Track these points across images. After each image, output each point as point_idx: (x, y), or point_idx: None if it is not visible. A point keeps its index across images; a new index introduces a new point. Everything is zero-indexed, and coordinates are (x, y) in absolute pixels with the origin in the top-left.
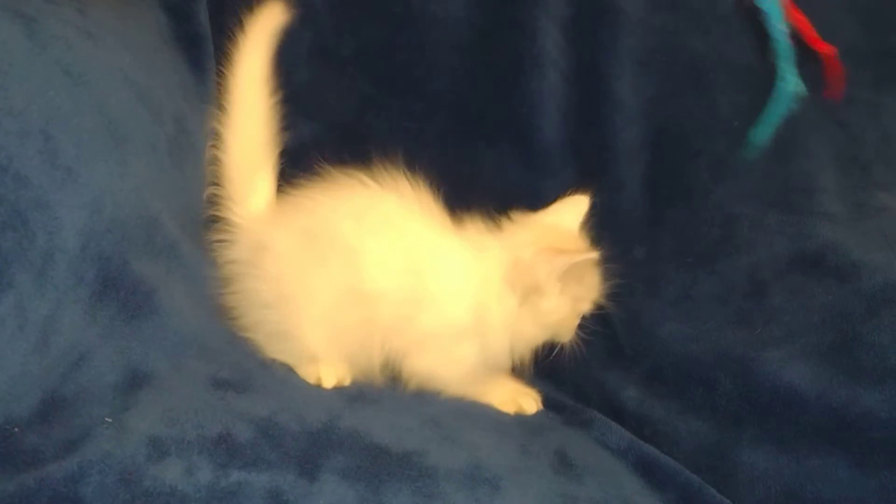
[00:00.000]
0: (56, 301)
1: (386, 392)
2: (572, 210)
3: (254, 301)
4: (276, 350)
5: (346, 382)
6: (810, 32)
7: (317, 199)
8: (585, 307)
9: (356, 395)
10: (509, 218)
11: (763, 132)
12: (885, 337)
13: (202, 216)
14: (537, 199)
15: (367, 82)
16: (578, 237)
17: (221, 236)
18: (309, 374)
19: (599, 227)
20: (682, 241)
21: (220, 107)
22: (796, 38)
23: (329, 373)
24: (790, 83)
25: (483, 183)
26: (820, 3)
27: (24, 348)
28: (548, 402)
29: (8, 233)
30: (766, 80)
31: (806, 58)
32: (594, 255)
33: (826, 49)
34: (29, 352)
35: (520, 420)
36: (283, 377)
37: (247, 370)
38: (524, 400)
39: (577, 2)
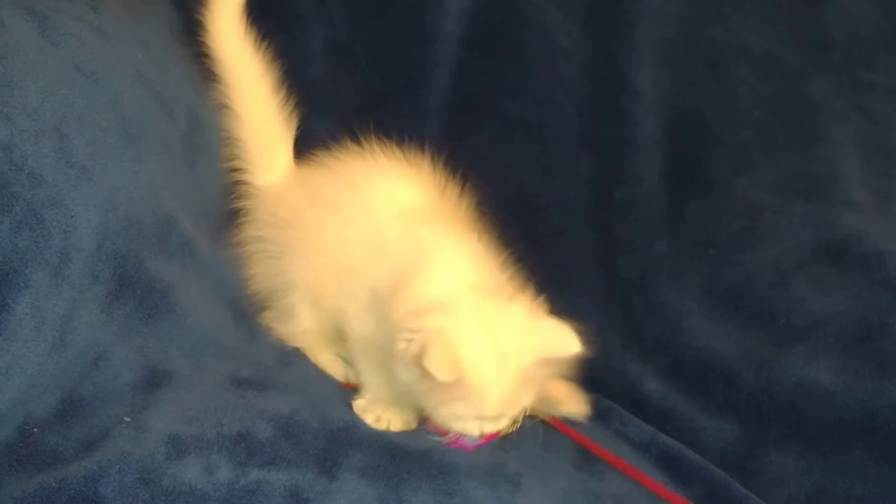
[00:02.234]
0: (73, 300)
1: None
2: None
3: (266, 252)
4: (287, 328)
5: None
6: None
7: (327, 167)
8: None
9: None
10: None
11: None
12: None
13: (218, 213)
14: (550, 195)
15: (379, 77)
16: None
17: (244, 202)
18: (336, 370)
19: (620, 220)
20: (704, 232)
21: (219, 80)
22: None
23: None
24: None
25: (496, 179)
26: None
27: (42, 348)
28: None
29: (24, 232)
30: (787, 67)
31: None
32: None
33: None
34: (47, 351)
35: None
36: (304, 374)
37: (267, 368)
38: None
39: None
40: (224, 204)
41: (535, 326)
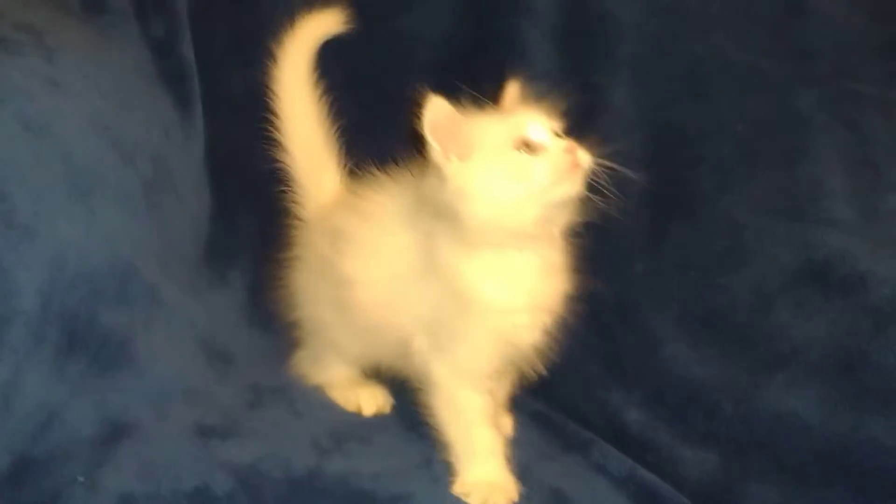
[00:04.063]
0: (16, 364)
1: (378, 427)
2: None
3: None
4: (318, 361)
5: (387, 410)
6: None
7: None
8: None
9: (348, 433)
10: None
11: None
12: (891, 357)
13: (190, 254)
14: None
15: (356, 107)
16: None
17: (294, 232)
18: (348, 399)
19: (600, 241)
20: (686, 253)
21: (274, 114)
22: None
23: (369, 399)
24: None
25: None
26: None
27: None
28: (546, 424)
29: None
30: (770, 80)
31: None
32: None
33: None
34: None
35: (516, 450)
36: (274, 417)
37: (235, 412)
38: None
39: (569, 10)
40: (197, 242)
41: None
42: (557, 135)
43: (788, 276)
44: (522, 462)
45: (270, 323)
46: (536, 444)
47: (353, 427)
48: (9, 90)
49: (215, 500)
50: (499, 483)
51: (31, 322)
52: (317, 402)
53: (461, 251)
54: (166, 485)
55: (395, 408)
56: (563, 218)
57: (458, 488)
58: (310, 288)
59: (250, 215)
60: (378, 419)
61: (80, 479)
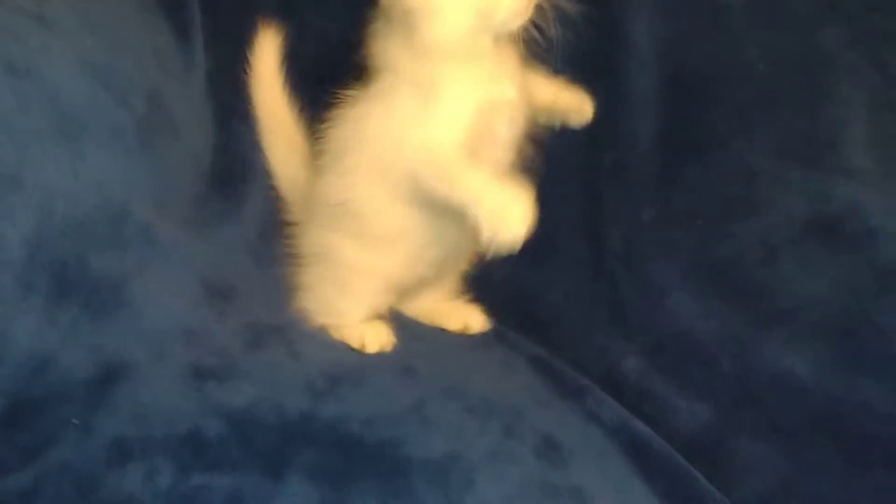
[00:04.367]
0: (4, 315)
1: (372, 368)
2: None
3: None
4: (329, 303)
5: (388, 348)
6: None
7: None
8: None
9: (343, 375)
10: None
11: None
12: (892, 320)
13: (190, 189)
14: (541, 158)
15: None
16: None
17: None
18: (353, 336)
19: (611, 185)
20: (696, 200)
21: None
22: None
23: (373, 337)
24: None
25: None
26: None
27: None
28: (544, 368)
29: None
30: (797, 16)
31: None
32: None
33: None
34: None
35: (507, 395)
36: (271, 359)
37: (232, 353)
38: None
39: None
40: (198, 177)
41: None
42: None
43: (798, 228)
44: (516, 406)
45: (278, 257)
46: (532, 388)
47: (349, 369)
48: None
49: (207, 444)
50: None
51: (19, 272)
52: (316, 342)
53: (423, 58)
54: (159, 429)
55: (385, 355)
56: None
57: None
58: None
59: (257, 149)
60: (373, 360)
61: (75, 421)
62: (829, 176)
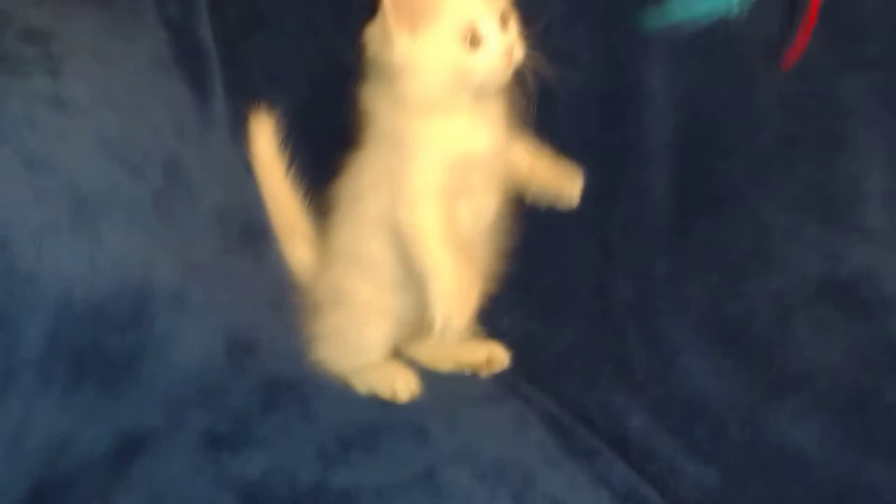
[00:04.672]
0: (24, 409)
1: (386, 430)
2: None
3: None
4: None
5: (417, 392)
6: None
7: None
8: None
9: (355, 439)
10: None
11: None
12: None
13: (217, 244)
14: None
15: None
16: None
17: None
18: (381, 384)
19: (622, 237)
20: (710, 255)
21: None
22: None
23: (403, 384)
24: None
25: None
26: None
27: None
28: (556, 425)
29: None
30: (815, 64)
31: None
32: None
33: None
34: (2, 462)
35: (519, 457)
36: (286, 421)
37: (248, 416)
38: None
39: None
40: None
41: None
42: (503, 18)
43: (812, 289)
44: (527, 469)
45: (297, 308)
46: (543, 446)
47: (363, 430)
48: (11, 123)
49: None
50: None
51: (38, 367)
52: (331, 399)
53: (402, 111)
54: None
55: (400, 413)
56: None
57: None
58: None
59: None
60: (387, 419)
61: (95, 503)
62: (844, 235)
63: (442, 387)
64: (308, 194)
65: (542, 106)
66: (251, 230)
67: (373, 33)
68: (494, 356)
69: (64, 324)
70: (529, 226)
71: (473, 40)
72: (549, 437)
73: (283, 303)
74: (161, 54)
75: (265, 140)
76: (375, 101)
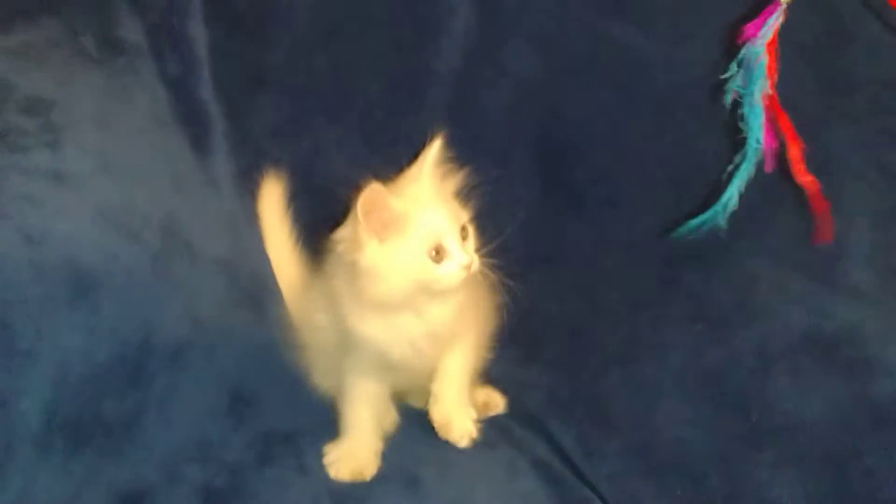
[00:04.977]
0: (24, 480)
1: (377, 484)
2: (423, 157)
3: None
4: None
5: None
6: (797, 160)
7: None
8: (450, 255)
9: (348, 493)
10: None
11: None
12: (883, 462)
13: (218, 298)
14: (538, 259)
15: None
16: (421, 181)
17: None
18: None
19: (607, 287)
20: (695, 304)
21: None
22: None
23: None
24: (730, 197)
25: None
26: None
27: None
28: (546, 473)
29: None
30: (805, 115)
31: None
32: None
33: (810, 182)
34: None
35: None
36: (279, 476)
37: (244, 470)
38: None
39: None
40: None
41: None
42: (464, 231)
43: (794, 341)
44: None
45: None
46: (534, 497)
47: (354, 485)
48: (11, 199)
49: None
50: (358, 459)
51: (37, 440)
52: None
53: (355, 304)
54: None
55: (395, 461)
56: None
57: (325, 458)
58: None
59: None
60: (381, 470)
61: None
62: (830, 290)
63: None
64: (307, 243)
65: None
66: (255, 283)
67: (342, 234)
68: (491, 400)
69: (62, 396)
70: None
71: (438, 254)
72: (539, 487)
73: (285, 354)
74: (160, 112)
75: (273, 198)
76: (335, 279)
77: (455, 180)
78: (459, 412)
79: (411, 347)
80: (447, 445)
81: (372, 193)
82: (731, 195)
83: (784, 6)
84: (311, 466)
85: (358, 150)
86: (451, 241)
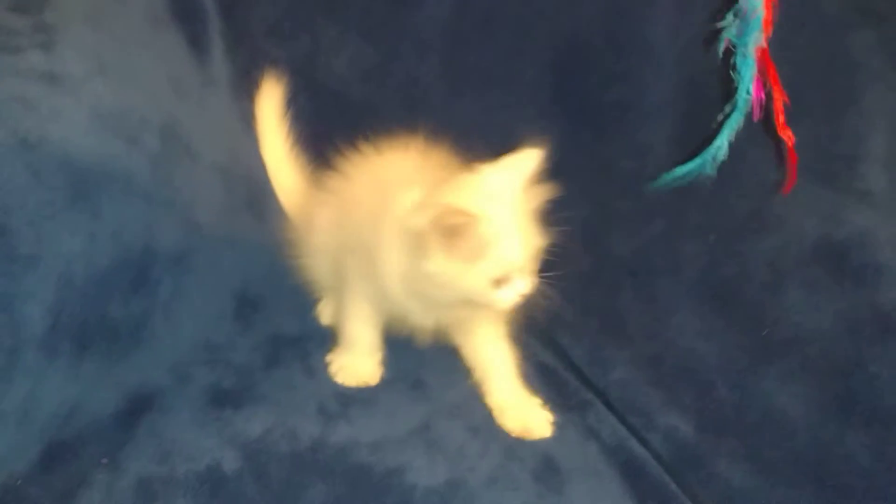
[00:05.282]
0: (31, 383)
1: (383, 385)
2: (518, 166)
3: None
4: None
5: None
6: (780, 114)
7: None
8: (512, 282)
9: (354, 394)
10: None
11: (672, 177)
12: (885, 370)
13: (218, 203)
14: (549, 163)
15: (372, 47)
16: (511, 199)
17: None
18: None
19: (621, 194)
20: (708, 214)
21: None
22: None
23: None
24: (719, 147)
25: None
26: None
27: (6, 432)
28: (550, 377)
29: None
30: (825, 16)
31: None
32: (478, 220)
33: (789, 136)
34: (12, 431)
35: None
36: (287, 378)
37: (252, 372)
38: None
39: None
40: (225, 188)
41: (503, 164)
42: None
43: (806, 252)
44: None
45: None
46: None
47: (360, 388)
48: (6, 101)
49: (224, 480)
50: (362, 368)
51: (43, 343)
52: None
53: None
54: (180, 465)
55: (400, 365)
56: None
57: (330, 367)
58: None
59: None
60: (385, 375)
61: (104, 461)
62: (841, 196)
63: (441, 343)
64: (308, 142)
65: (546, 62)
66: (254, 186)
67: (418, 223)
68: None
69: (66, 300)
70: None
71: (500, 281)
72: (540, 390)
73: (286, 257)
74: (156, 10)
75: (272, 100)
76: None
77: (541, 195)
78: (529, 411)
79: (431, 315)
80: (451, 350)
81: (460, 218)
82: (721, 145)
83: None
84: (318, 369)
85: (359, 47)
86: (521, 283)
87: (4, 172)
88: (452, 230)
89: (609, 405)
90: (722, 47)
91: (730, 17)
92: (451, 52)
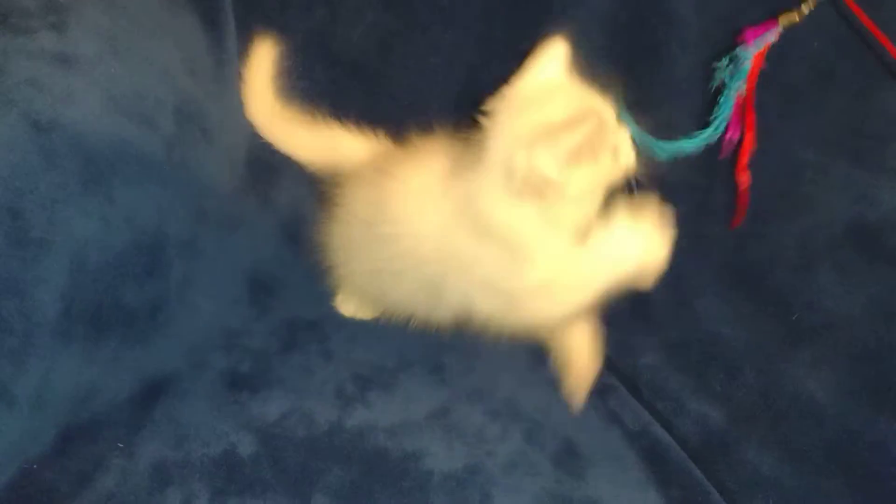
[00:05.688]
0: (45, 368)
1: (403, 368)
2: (549, 63)
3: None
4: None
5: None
6: (744, 157)
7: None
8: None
9: (372, 377)
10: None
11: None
12: None
13: (229, 185)
14: None
15: (392, 15)
16: (571, 94)
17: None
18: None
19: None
20: (735, 194)
21: None
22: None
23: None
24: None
25: None
26: None
27: (20, 417)
28: None
29: None
30: None
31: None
32: (597, 113)
33: (744, 180)
34: (27, 416)
35: (533, 395)
36: (304, 362)
37: (268, 357)
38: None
39: None
40: (233, 172)
41: (542, 63)
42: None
43: (838, 234)
44: (541, 405)
45: (314, 242)
46: (556, 385)
47: (379, 370)
48: (16, 85)
49: (240, 464)
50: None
51: (56, 328)
52: (350, 337)
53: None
54: (196, 450)
55: (420, 349)
56: None
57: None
58: (352, 245)
59: None
60: (406, 356)
61: (120, 445)
62: (874, 176)
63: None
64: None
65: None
66: (261, 165)
67: (547, 161)
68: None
69: (79, 284)
70: None
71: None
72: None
73: (301, 236)
74: None
75: (264, 67)
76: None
77: None
78: None
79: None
80: (472, 334)
81: (594, 118)
82: (686, 147)
83: (780, 29)
84: (336, 352)
85: (378, 15)
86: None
87: (16, 155)
88: (600, 131)
89: (636, 390)
90: (714, 85)
91: (724, 61)
92: (475, 24)
